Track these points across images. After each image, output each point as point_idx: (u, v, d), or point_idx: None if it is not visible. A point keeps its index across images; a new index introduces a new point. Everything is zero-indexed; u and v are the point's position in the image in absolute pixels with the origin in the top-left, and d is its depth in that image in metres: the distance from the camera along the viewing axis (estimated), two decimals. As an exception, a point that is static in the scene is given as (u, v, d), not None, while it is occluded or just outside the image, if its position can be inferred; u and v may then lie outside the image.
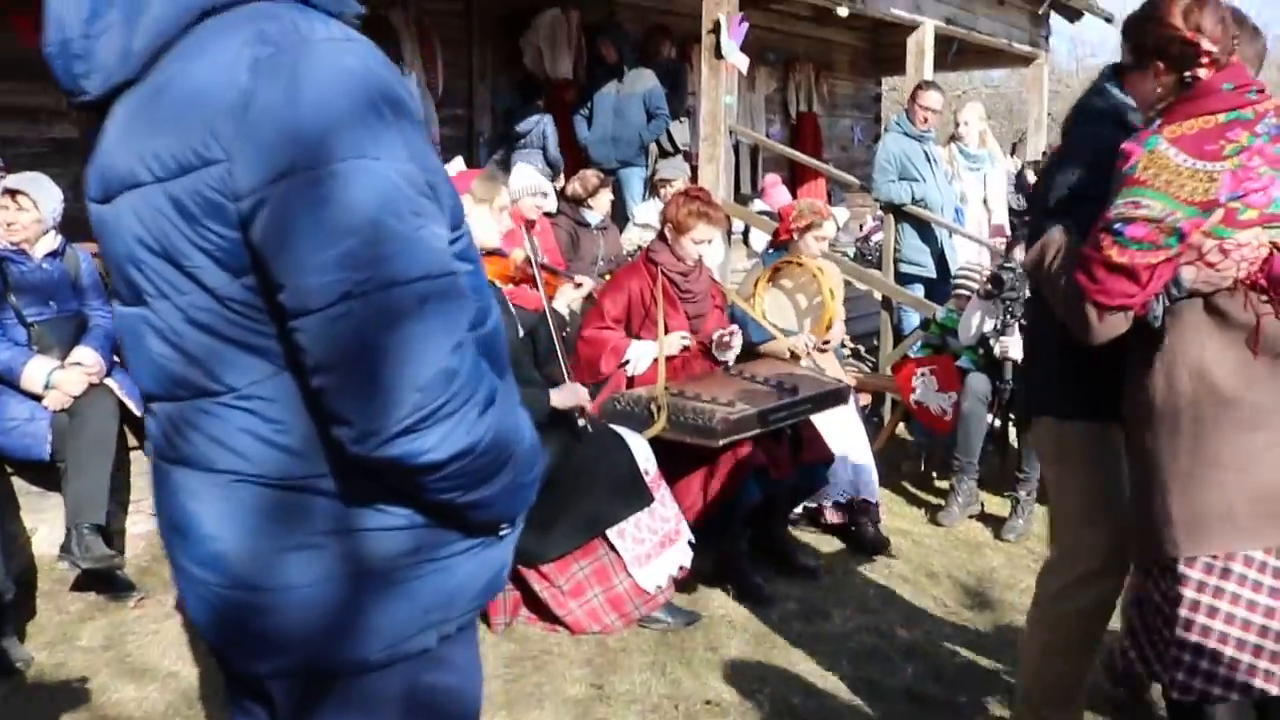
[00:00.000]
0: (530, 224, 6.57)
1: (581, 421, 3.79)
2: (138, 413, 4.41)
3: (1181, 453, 2.41)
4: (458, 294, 1.33)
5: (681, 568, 3.90)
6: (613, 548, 3.79)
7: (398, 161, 1.28)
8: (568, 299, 4.19)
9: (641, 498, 3.79)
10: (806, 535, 5.06)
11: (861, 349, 7.85)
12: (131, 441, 4.68)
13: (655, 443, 4.04)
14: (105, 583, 4.27)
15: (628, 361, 4.50)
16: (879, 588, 4.54)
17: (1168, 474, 2.43)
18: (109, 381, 4.35)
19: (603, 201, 7.07)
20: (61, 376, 4.18)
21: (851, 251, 10.45)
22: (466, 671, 1.56)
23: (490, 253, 3.83)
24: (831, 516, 5.01)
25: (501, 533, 1.52)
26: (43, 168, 6.38)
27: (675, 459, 4.12)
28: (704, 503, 4.18)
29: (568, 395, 3.73)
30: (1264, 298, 2.32)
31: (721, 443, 3.95)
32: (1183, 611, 2.42)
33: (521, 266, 3.98)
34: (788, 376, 4.54)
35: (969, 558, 4.92)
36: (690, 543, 3.99)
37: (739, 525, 4.34)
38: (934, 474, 6.04)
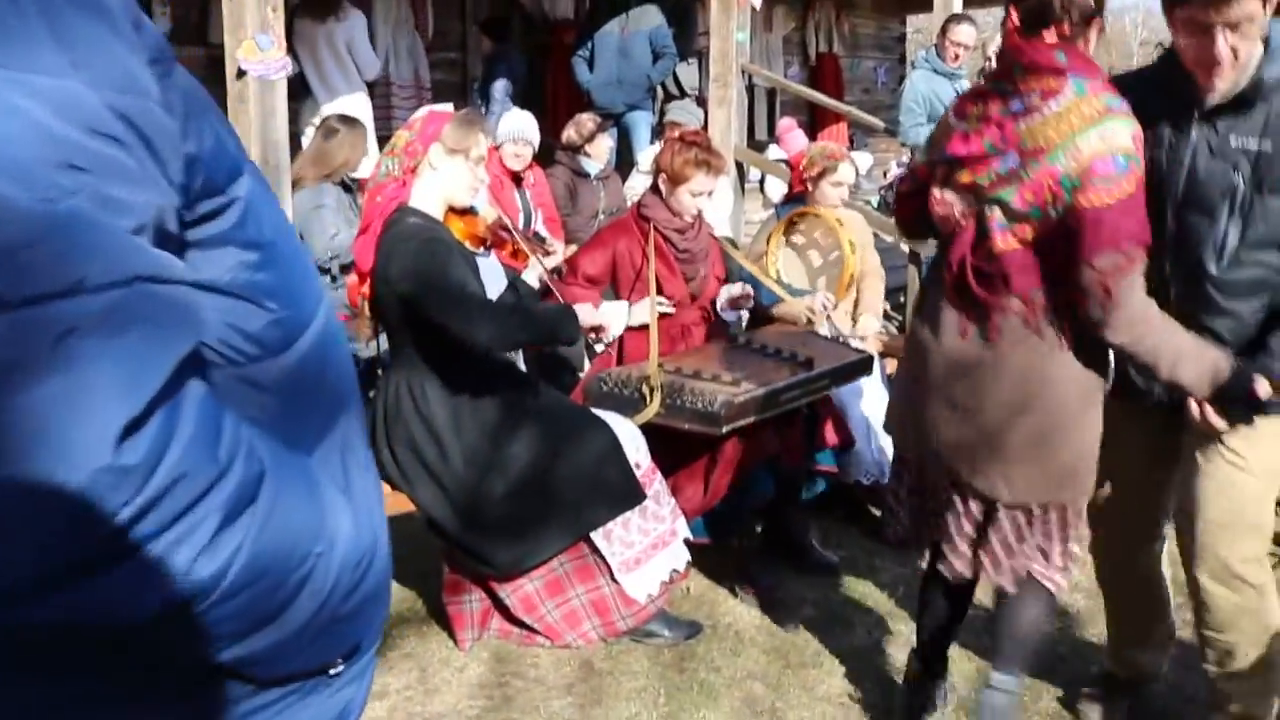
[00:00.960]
0: (518, 177, 5.99)
1: (600, 346, 3.62)
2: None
3: None
4: (162, 316, 0.76)
5: (676, 572, 3.36)
6: (597, 551, 3.25)
7: (41, 78, 0.72)
8: (539, 271, 3.64)
9: (631, 495, 3.24)
10: (824, 520, 4.51)
11: (887, 306, 7.23)
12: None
13: (649, 427, 3.48)
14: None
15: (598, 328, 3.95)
16: (909, 587, 3.98)
17: None
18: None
19: (601, 148, 6.49)
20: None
21: (875, 200, 9.79)
22: None
23: (462, 211, 3.28)
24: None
25: (332, 672, 0.97)
26: None
27: (672, 445, 3.56)
28: (706, 495, 3.63)
29: (586, 312, 3.40)
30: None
31: (726, 429, 3.39)
32: None
33: (493, 227, 3.43)
34: (802, 347, 3.96)
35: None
36: (688, 541, 3.44)
37: (748, 520, 3.79)
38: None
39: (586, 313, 3.32)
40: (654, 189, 4.04)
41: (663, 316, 3.96)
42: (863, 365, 4.00)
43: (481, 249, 3.33)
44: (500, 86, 7.22)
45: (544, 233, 6.29)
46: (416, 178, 3.15)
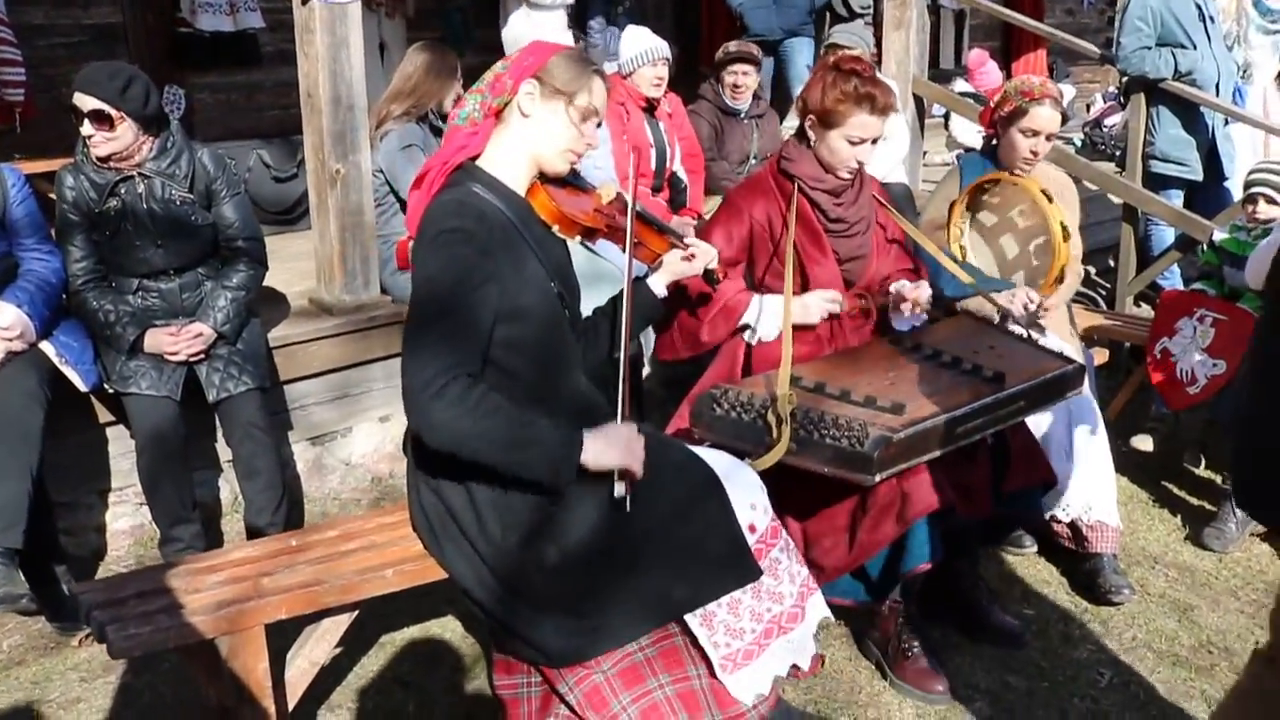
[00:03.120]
0: (652, 107, 5.09)
1: (619, 490, 2.29)
2: (83, 387, 3.28)
3: None
4: None
5: (796, 669, 2.49)
6: (689, 631, 2.40)
7: None
8: (672, 273, 2.68)
9: (740, 570, 2.37)
10: (1007, 561, 3.55)
11: (1092, 270, 6.04)
12: (105, 417, 3.60)
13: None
14: (55, 606, 3.23)
15: (746, 327, 3.04)
16: (1119, 665, 3.01)
17: None
18: (44, 347, 3.23)
19: (754, 81, 5.52)
20: (-33, 343, 3.08)
21: (1078, 139, 8.45)
22: None
23: (563, 182, 2.42)
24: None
25: None
26: (79, 61, 5.37)
27: (807, 479, 2.67)
28: (851, 553, 2.74)
29: (605, 445, 2.26)
30: None
31: (879, 477, 2.48)
32: None
33: (607, 210, 2.49)
34: (989, 353, 2.98)
35: (1259, 609, 3.29)
36: (823, 624, 2.56)
37: (905, 584, 2.88)
38: (1191, 464, 4.32)
39: (623, 446, 2.24)
40: (799, 134, 3.10)
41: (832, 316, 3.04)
42: (1071, 379, 2.99)
43: (578, 238, 2.46)
44: (598, 22, 6.16)
45: (682, 174, 5.42)
46: (500, 125, 2.33)
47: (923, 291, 3.05)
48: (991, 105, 3.58)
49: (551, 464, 2.19)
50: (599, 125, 2.42)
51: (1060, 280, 3.29)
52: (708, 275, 2.74)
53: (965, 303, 3.29)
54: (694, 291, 2.99)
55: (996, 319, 3.22)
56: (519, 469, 2.18)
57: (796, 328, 2.90)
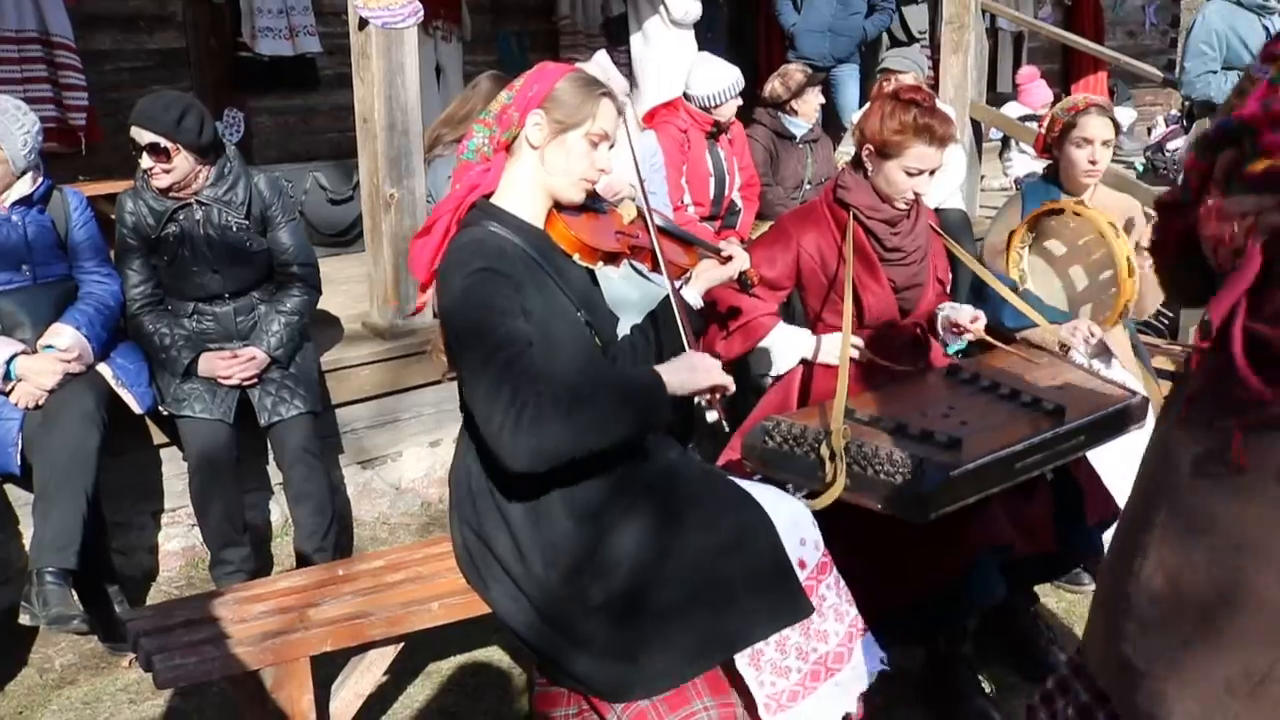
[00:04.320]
0: (717, 134, 5.06)
1: (712, 416, 2.32)
2: (138, 409, 3.31)
3: None
4: None
5: (848, 716, 2.42)
6: (733, 663, 2.35)
7: None
8: (708, 281, 2.68)
9: (789, 608, 2.32)
10: (1065, 599, 3.45)
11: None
12: (159, 438, 3.63)
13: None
14: (107, 626, 3.26)
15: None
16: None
17: None
18: (101, 369, 3.27)
19: (810, 105, 5.52)
20: (27, 364, 3.12)
21: (1140, 164, 8.30)
22: None
23: (582, 207, 2.39)
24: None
25: None
26: (144, 85, 5.48)
27: (858, 513, 2.61)
28: (904, 586, 2.67)
29: (691, 369, 2.27)
30: None
31: (935, 515, 2.42)
32: None
33: (629, 231, 2.46)
34: (1050, 384, 2.90)
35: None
36: (880, 668, 2.49)
37: (962, 623, 2.81)
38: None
39: (702, 367, 2.27)
40: (855, 163, 3.06)
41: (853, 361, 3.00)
42: (1134, 412, 2.90)
43: (600, 264, 2.42)
44: (601, 55, 6.11)
45: (738, 201, 5.39)
46: (511, 159, 2.30)
47: (979, 320, 3.00)
48: (1042, 132, 3.51)
49: (644, 411, 2.19)
50: (611, 148, 2.36)
51: (1125, 314, 3.20)
52: (742, 280, 2.72)
53: (1026, 333, 3.21)
54: (723, 305, 2.98)
55: (1058, 348, 3.14)
56: (625, 431, 2.17)
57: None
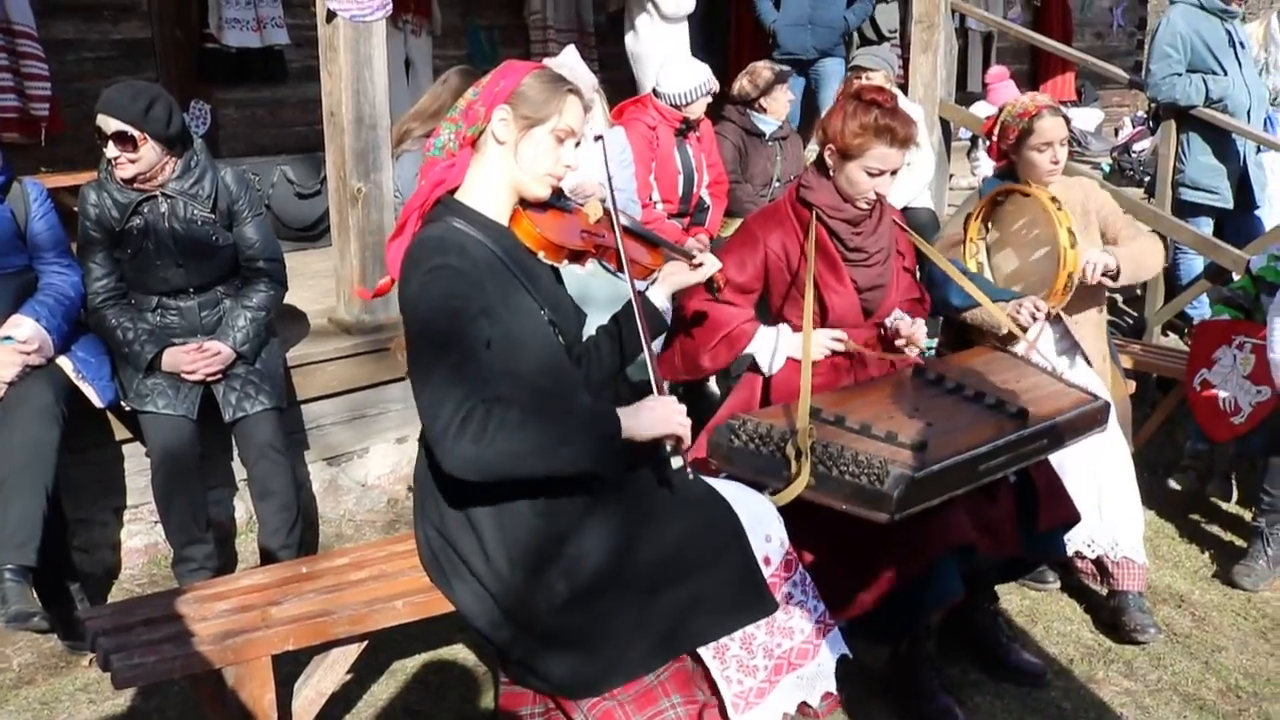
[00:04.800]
0: (686, 131, 5.06)
1: (677, 460, 2.33)
2: (99, 403, 3.28)
3: None
4: None
5: (806, 707, 2.43)
6: (701, 659, 2.36)
7: None
8: (674, 284, 2.66)
9: (754, 604, 2.33)
10: (1029, 596, 3.49)
11: (1119, 299, 5.96)
12: (121, 434, 3.59)
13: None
14: (66, 624, 3.21)
15: (750, 358, 3.03)
16: (1143, 707, 2.95)
17: None
18: (62, 362, 3.23)
19: (779, 103, 5.51)
20: (-17, 357, 3.08)
21: (1106, 165, 8.38)
22: None
23: (547, 205, 2.38)
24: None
25: None
26: (108, 75, 5.41)
27: (823, 513, 2.62)
28: (866, 592, 2.69)
29: (651, 415, 2.26)
30: None
31: (899, 516, 2.43)
32: None
33: (594, 229, 2.46)
34: (1015, 386, 2.92)
35: (1288, 660, 3.22)
36: (842, 659, 2.51)
37: (922, 620, 2.83)
38: (1220, 498, 4.25)
39: (662, 415, 2.23)
40: (818, 164, 3.07)
41: (834, 354, 3.02)
42: (1096, 415, 2.94)
43: (565, 262, 2.42)
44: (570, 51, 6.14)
45: (706, 199, 5.39)
46: (476, 154, 2.29)
47: (919, 330, 3.02)
48: (994, 140, 3.50)
49: (594, 450, 2.17)
50: (577, 145, 2.37)
51: (1068, 289, 3.23)
52: (709, 285, 2.72)
53: (971, 313, 3.24)
54: (689, 311, 2.98)
55: (1003, 330, 3.18)
56: (567, 466, 2.15)
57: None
